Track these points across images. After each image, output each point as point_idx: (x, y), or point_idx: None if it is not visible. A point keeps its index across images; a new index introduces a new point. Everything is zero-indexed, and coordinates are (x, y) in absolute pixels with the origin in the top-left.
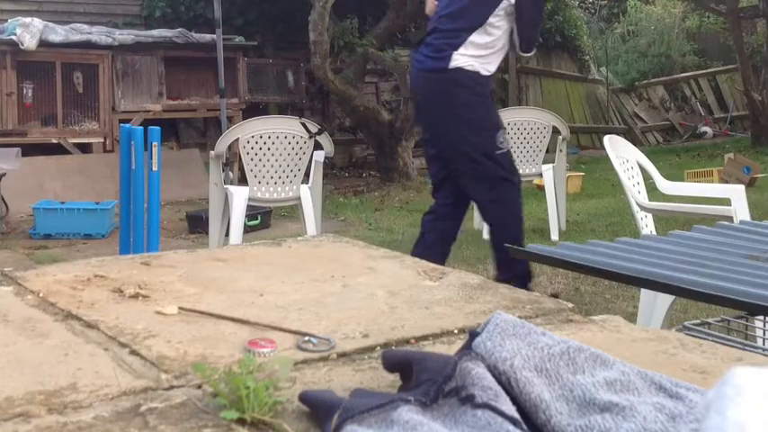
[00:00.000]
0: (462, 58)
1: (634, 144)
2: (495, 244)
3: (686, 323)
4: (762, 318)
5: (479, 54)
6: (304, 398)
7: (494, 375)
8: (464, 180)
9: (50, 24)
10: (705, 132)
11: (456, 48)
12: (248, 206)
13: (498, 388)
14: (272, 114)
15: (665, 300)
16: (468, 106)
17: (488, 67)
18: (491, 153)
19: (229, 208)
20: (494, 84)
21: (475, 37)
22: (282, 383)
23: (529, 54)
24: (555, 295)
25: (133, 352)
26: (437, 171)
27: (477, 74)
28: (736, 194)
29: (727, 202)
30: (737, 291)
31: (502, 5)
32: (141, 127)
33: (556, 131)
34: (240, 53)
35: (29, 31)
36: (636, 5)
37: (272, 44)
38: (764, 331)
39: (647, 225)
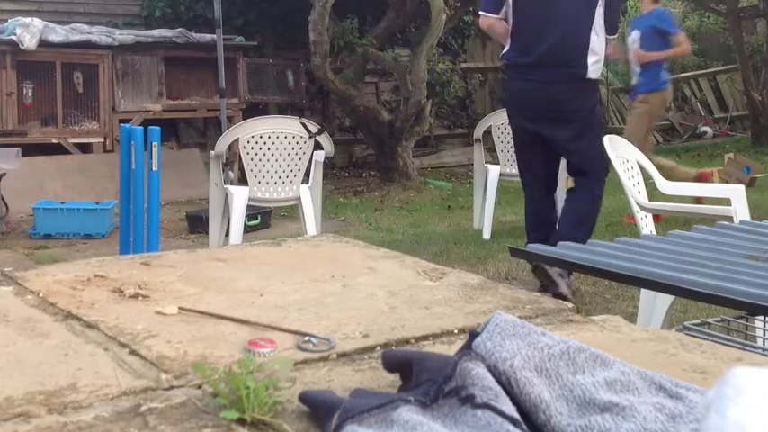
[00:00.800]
0: (591, 67)
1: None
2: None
3: (686, 323)
4: (762, 318)
5: (595, 61)
6: (304, 398)
7: (494, 375)
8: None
9: (50, 24)
10: (705, 132)
11: (585, 56)
12: (248, 206)
13: (498, 388)
14: (272, 114)
15: (665, 300)
16: (596, 109)
17: (599, 72)
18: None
19: (229, 208)
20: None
21: (592, 43)
22: (282, 383)
23: (614, 36)
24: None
25: (133, 352)
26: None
27: (596, 81)
28: (736, 194)
29: (727, 202)
30: (737, 291)
31: None
32: (141, 127)
33: None
34: (240, 53)
35: (29, 31)
36: (636, 5)
37: (272, 44)
38: (764, 331)
39: (647, 225)
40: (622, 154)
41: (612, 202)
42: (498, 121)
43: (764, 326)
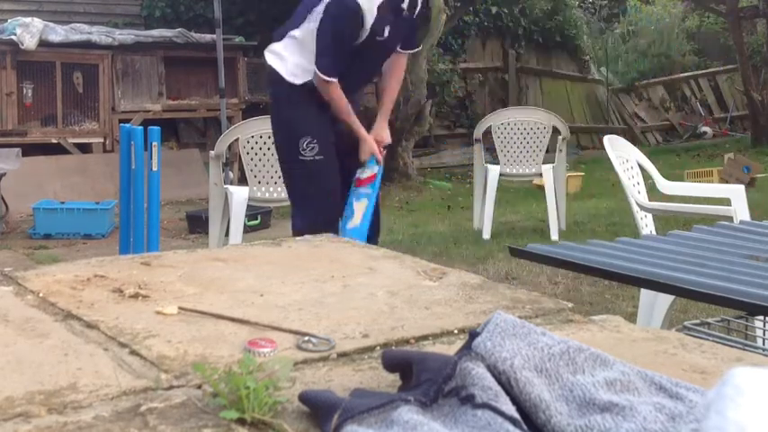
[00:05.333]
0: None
1: (634, 144)
2: None
3: (686, 323)
4: (762, 318)
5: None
6: (304, 398)
7: (494, 375)
8: None
9: (50, 24)
10: (705, 132)
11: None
12: (248, 206)
13: (498, 388)
14: None
15: (665, 300)
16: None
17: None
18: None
19: (229, 208)
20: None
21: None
22: (282, 383)
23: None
24: None
25: (133, 352)
26: None
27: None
28: (736, 194)
29: (727, 202)
30: (737, 291)
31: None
32: (141, 127)
33: (556, 131)
34: (240, 53)
35: (29, 31)
36: (636, 5)
37: None
38: (764, 331)
39: (646, 225)
40: (622, 154)
41: (612, 202)
42: (498, 121)
43: (764, 326)
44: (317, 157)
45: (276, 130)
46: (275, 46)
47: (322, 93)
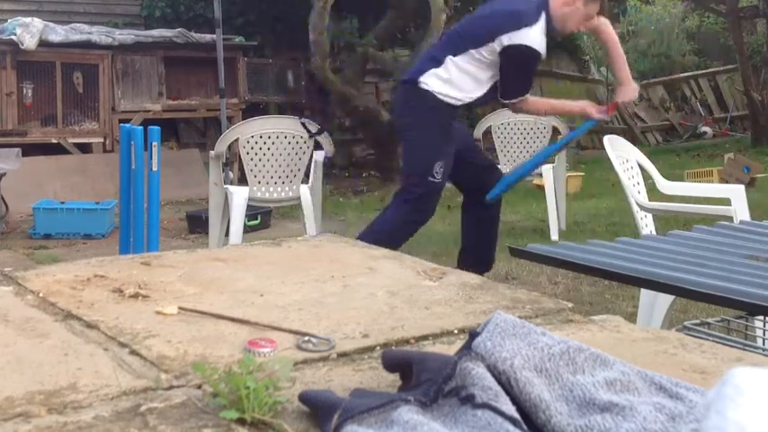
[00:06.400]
0: (429, 78)
1: (634, 144)
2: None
3: (686, 323)
4: (762, 318)
5: (440, 79)
6: (304, 398)
7: (494, 375)
8: None
9: (50, 24)
10: (705, 132)
11: (428, 67)
12: (248, 206)
13: (498, 388)
14: (272, 114)
15: (665, 300)
16: (421, 120)
17: (439, 90)
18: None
19: (229, 208)
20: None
21: (445, 66)
22: (282, 383)
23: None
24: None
25: (133, 352)
26: None
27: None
28: (736, 194)
29: (727, 202)
30: (737, 291)
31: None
32: (141, 127)
33: (556, 131)
34: (240, 53)
35: (29, 31)
36: (636, 5)
37: (272, 44)
38: (764, 331)
39: (646, 225)
40: (622, 154)
41: (612, 202)
42: (498, 121)
43: (764, 326)
44: (442, 181)
45: (413, 147)
46: (437, 70)
47: (521, 109)
